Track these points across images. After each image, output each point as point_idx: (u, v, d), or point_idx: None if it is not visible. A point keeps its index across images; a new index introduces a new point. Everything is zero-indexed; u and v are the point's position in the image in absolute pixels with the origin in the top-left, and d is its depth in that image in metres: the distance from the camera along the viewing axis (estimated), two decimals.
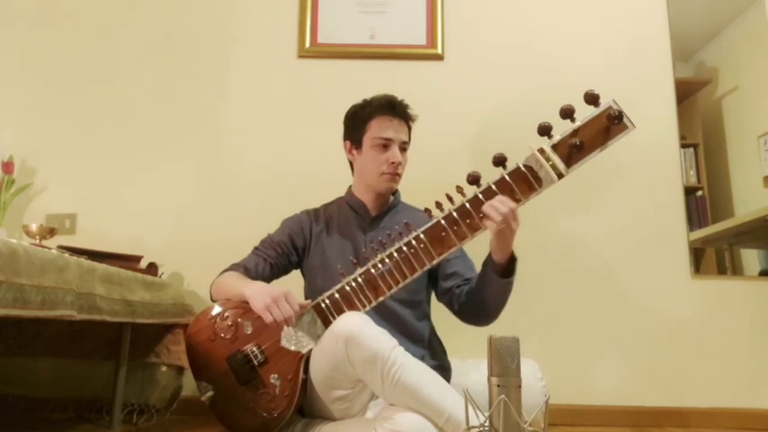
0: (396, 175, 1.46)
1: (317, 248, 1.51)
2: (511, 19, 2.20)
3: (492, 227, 1.20)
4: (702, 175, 2.08)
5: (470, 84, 2.16)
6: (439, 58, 2.18)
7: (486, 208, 1.19)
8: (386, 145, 1.44)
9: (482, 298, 1.36)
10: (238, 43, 2.20)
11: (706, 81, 2.14)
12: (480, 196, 1.22)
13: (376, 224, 1.51)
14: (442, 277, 1.47)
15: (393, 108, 1.46)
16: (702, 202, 2.06)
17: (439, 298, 1.51)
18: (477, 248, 1.37)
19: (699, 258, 2.03)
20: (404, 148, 1.48)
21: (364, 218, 1.52)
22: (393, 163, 1.44)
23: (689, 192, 2.06)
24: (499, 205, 1.18)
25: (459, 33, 2.19)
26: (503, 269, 1.29)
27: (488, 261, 1.31)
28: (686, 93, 2.13)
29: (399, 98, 1.49)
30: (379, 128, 1.45)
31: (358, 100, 1.54)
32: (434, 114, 2.02)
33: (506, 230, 1.21)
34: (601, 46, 2.17)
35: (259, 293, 1.29)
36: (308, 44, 2.19)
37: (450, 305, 1.47)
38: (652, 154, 2.07)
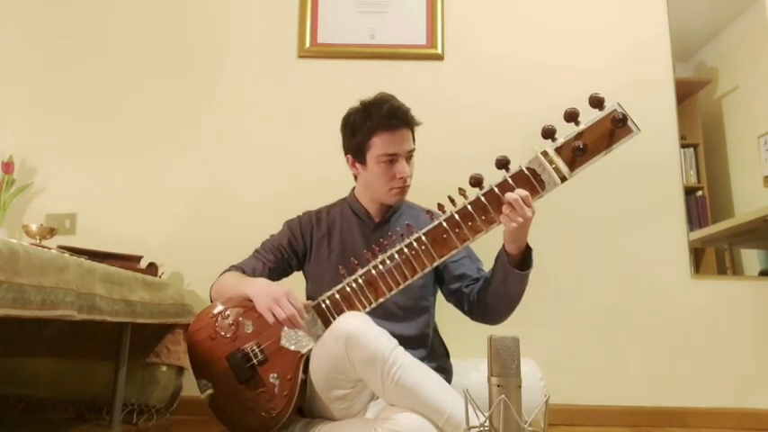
0: (405, 188, 1.42)
1: (318, 253, 1.50)
2: (511, 19, 2.21)
3: (505, 219, 1.18)
4: (702, 175, 2.08)
5: (470, 84, 2.16)
6: (439, 58, 2.17)
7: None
8: (392, 160, 1.37)
9: (496, 294, 1.32)
10: (238, 43, 2.20)
11: (706, 81, 2.14)
12: (482, 198, 1.21)
13: (380, 230, 1.48)
14: (450, 280, 1.45)
15: (395, 119, 1.36)
16: (702, 202, 2.06)
17: (447, 299, 1.49)
18: (482, 247, 1.37)
19: (699, 258, 2.03)
20: (410, 155, 1.42)
21: (368, 224, 1.50)
22: (401, 177, 1.39)
23: (689, 192, 2.06)
24: (511, 194, 1.16)
25: (459, 33, 2.19)
26: (519, 261, 1.27)
27: (502, 254, 1.28)
28: (686, 93, 2.13)
29: (398, 104, 1.38)
30: (383, 145, 1.36)
31: (358, 100, 1.47)
32: (434, 115, 2.01)
33: (517, 217, 1.15)
34: (601, 45, 2.17)
35: (261, 294, 1.29)
36: (308, 44, 2.19)
37: (459, 305, 1.44)
38: (652, 154, 2.07)
